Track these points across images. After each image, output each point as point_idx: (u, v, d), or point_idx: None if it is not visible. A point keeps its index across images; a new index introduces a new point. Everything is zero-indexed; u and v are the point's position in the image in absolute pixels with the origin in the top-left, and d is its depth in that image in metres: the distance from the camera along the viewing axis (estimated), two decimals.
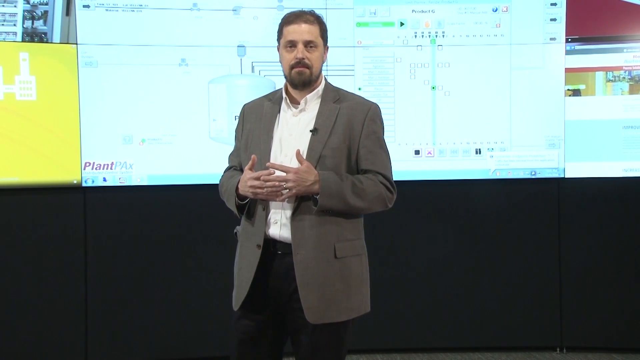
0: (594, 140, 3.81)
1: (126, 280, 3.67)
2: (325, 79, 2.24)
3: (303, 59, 2.13)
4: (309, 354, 2.13)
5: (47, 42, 3.54)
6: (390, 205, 2.19)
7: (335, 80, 2.30)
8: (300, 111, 2.19)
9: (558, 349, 3.92)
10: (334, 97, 2.20)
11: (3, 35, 3.49)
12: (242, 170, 2.17)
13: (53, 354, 3.60)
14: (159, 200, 3.69)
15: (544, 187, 3.87)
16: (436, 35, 3.81)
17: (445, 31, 3.80)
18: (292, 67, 2.14)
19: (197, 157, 3.66)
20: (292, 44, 2.15)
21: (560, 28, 3.79)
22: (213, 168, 3.52)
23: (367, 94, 3.47)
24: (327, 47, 2.23)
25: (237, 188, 2.14)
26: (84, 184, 3.60)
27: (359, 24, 3.78)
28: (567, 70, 3.80)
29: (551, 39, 3.80)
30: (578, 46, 3.79)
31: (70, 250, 3.61)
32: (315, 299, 2.07)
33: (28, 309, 3.57)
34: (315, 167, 2.09)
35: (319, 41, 2.16)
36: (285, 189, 2.05)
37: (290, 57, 2.14)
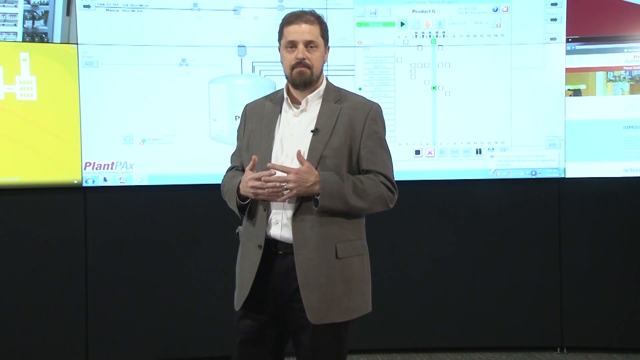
0: (594, 140, 3.81)
1: (127, 280, 3.67)
2: (327, 79, 2.24)
3: (304, 59, 2.13)
4: (310, 354, 2.14)
5: (47, 42, 3.54)
6: (391, 206, 2.18)
7: (336, 80, 2.30)
8: (302, 111, 2.19)
9: (558, 349, 3.92)
10: (335, 97, 2.20)
11: (4, 35, 3.49)
12: (244, 171, 2.17)
13: (54, 354, 3.60)
14: (160, 200, 3.69)
15: (545, 187, 3.87)
16: (436, 35, 3.81)
17: (446, 31, 3.80)
18: (292, 68, 2.14)
19: (197, 157, 3.66)
20: (292, 44, 2.14)
21: (560, 28, 3.79)
22: (213, 168, 3.53)
23: (368, 94, 3.47)
24: (328, 47, 2.23)
25: (238, 188, 2.15)
26: (84, 184, 3.60)
27: (359, 24, 3.78)
28: (568, 70, 3.80)
29: (552, 39, 3.80)
30: (578, 46, 3.79)
31: (70, 250, 3.61)
32: (317, 299, 2.07)
33: (29, 309, 3.57)
34: (316, 168, 2.09)
35: (320, 41, 2.16)
36: (286, 189, 2.06)
37: (291, 57, 2.14)
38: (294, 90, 2.19)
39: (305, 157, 2.09)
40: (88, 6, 3.58)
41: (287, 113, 2.20)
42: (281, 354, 2.24)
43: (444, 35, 3.80)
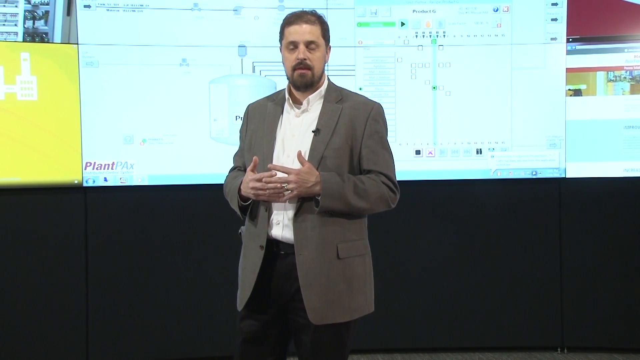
0: (595, 140, 3.81)
1: (127, 280, 3.67)
2: (329, 79, 2.24)
3: (304, 59, 2.13)
4: (311, 354, 2.14)
5: (48, 42, 3.54)
6: (393, 206, 2.18)
7: (336, 80, 2.30)
8: (303, 112, 2.19)
9: (559, 349, 3.92)
10: (337, 97, 2.20)
11: (4, 35, 3.49)
12: (246, 171, 2.17)
13: (54, 354, 3.60)
14: (160, 200, 3.69)
15: (545, 187, 3.87)
16: (437, 35, 3.81)
17: (446, 31, 3.80)
18: (294, 69, 2.14)
19: (197, 157, 3.66)
20: (293, 45, 2.14)
21: (561, 28, 3.79)
22: (214, 168, 3.55)
23: (368, 94, 3.46)
24: (330, 47, 2.23)
25: (239, 189, 2.15)
26: (85, 184, 3.60)
27: (359, 24, 3.78)
28: (568, 70, 3.80)
29: (552, 38, 3.80)
30: (579, 46, 3.79)
31: (71, 250, 3.61)
32: (318, 299, 2.07)
33: (29, 309, 3.57)
34: (317, 168, 2.09)
35: (321, 41, 2.16)
36: (287, 190, 2.05)
37: (292, 57, 2.14)
38: (296, 90, 2.19)
39: (307, 158, 2.09)
40: (88, 6, 3.58)
41: (289, 113, 2.20)
42: (284, 353, 2.24)
43: (444, 35, 3.80)
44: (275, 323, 2.17)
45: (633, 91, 3.78)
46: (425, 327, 3.89)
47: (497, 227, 3.89)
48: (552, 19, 3.79)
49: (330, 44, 2.23)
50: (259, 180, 2.05)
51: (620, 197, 3.85)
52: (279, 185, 2.04)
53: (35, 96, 3.52)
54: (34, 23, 3.52)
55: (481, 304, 3.88)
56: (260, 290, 2.13)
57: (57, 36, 3.55)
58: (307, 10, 2.21)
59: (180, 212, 3.71)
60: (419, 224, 3.86)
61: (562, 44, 3.79)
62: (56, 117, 3.55)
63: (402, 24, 3.81)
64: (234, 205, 2.20)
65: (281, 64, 2.22)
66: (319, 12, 2.23)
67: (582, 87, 3.80)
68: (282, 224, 2.11)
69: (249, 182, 2.08)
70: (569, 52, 3.79)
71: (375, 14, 3.79)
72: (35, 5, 3.52)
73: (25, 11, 3.51)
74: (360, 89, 3.74)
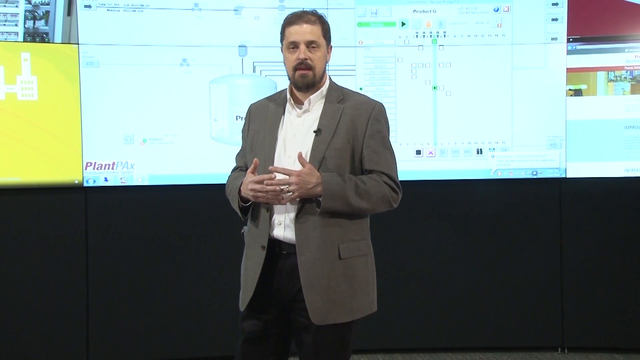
0: (595, 140, 3.81)
1: (127, 280, 3.67)
2: (330, 79, 2.24)
3: (305, 59, 2.13)
4: (313, 354, 2.14)
5: (48, 42, 3.54)
6: (395, 205, 2.18)
7: (337, 80, 2.29)
8: (304, 112, 2.19)
9: (559, 349, 3.92)
10: (338, 97, 2.20)
11: (5, 36, 3.49)
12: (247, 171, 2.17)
13: (54, 354, 3.60)
14: (161, 200, 3.69)
15: (546, 187, 3.87)
16: (437, 35, 3.81)
17: (447, 31, 3.80)
18: (295, 69, 2.14)
19: (198, 157, 3.66)
20: (294, 45, 2.14)
21: (561, 28, 3.79)
22: (214, 168, 3.56)
23: (368, 94, 3.44)
24: (331, 47, 2.23)
25: (240, 190, 2.15)
26: (85, 184, 3.60)
27: (360, 24, 3.78)
28: (569, 70, 3.80)
29: (552, 38, 3.80)
30: (579, 46, 3.79)
31: (71, 250, 3.61)
32: (319, 300, 2.07)
33: (29, 308, 3.57)
34: (319, 168, 2.09)
35: (322, 41, 2.16)
36: (288, 192, 2.05)
37: (293, 58, 2.14)
38: (297, 91, 2.19)
39: (308, 158, 2.09)
40: (89, 6, 3.58)
41: (290, 114, 2.20)
42: (286, 353, 2.24)
43: (444, 35, 3.80)
44: (277, 323, 2.18)
45: (633, 91, 3.78)
46: (425, 327, 3.89)
47: (498, 227, 3.89)
48: (553, 19, 3.79)
49: (331, 43, 2.23)
50: (259, 182, 2.05)
51: (621, 197, 3.85)
52: (278, 188, 2.04)
53: (35, 96, 3.52)
54: (34, 23, 3.52)
55: (481, 304, 3.88)
56: (263, 290, 2.13)
57: (58, 36, 3.55)
58: (307, 10, 2.21)
59: (180, 212, 3.71)
60: (419, 224, 3.85)
61: (562, 44, 3.79)
62: (57, 117, 3.55)
63: (403, 24, 3.81)
64: (235, 205, 2.20)
65: (282, 64, 2.22)
66: (320, 12, 2.23)
67: (583, 87, 3.80)
68: (283, 225, 2.12)
69: (249, 184, 2.08)
70: (569, 52, 3.79)
71: (376, 14, 3.79)
72: (35, 6, 3.52)
73: (25, 11, 3.51)
74: (361, 89, 3.74)
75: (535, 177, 3.84)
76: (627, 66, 3.78)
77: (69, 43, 3.56)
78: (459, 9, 3.79)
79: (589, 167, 3.82)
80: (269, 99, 2.30)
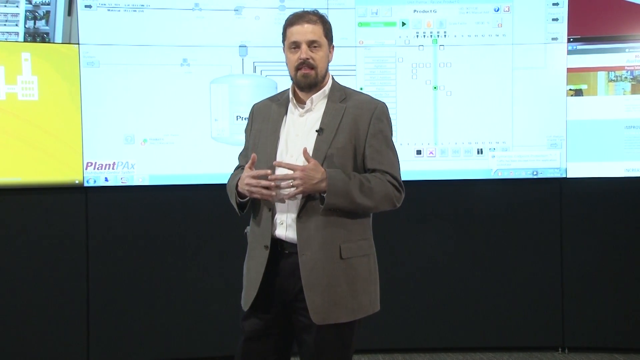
0: (596, 140, 3.80)
1: (128, 280, 3.67)
2: (333, 78, 2.24)
3: (307, 59, 2.13)
4: (314, 354, 2.13)
5: (49, 42, 3.54)
6: (398, 205, 2.18)
7: (337, 80, 2.30)
8: (307, 111, 2.19)
9: (560, 349, 3.92)
10: (340, 96, 2.20)
11: (5, 36, 3.49)
12: None
13: (55, 354, 3.60)
14: (161, 200, 3.69)
15: (546, 187, 3.87)
16: (438, 35, 3.80)
17: (447, 31, 3.80)
18: (297, 69, 2.14)
19: (198, 157, 3.66)
20: (295, 45, 2.15)
21: (562, 28, 3.79)
22: (215, 168, 3.55)
23: (369, 94, 3.47)
24: (333, 47, 2.23)
25: (237, 185, 2.15)
26: (85, 184, 3.60)
27: (360, 24, 3.78)
28: (569, 70, 3.80)
29: (553, 38, 3.80)
30: (580, 46, 3.79)
31: (72, 250, 3.61)
32: (320, 300, 2.07)
33: (30, 308, 3.57)
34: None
35: (323, 41, 2.16)
36: (293, 187, 2.05)
37: (295, 58, 2.14)
38: (299, 90, 2.19)
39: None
40: (89, 6, 3.58)
41: (293, 113, 2.20)
42: (287, 353, 2.24)
43: (445, 35, 3.80)
44: (278, 322, 2.17)
45: (634, 91, 3.78)
46: (425, 327, 3.89)
47: (498, 227, 3.89)
48: (553, 19, 3.79)
49: (333, 43, 2.23)
50: (255, 177, 2.05)
51: (621, 197, 3.85)
52: (272, 184, 2.04)
53: (36, 96, 3.52)
54: (35, 23, 3.52)
55: (482, 304, 3.88)
56: (265, 290, 2.13)
57: (58, 36, 3.55)
58: (308, 10, 2.21)
59: (181, 212, 3.71)
60: (419, 224, 3.85)
61: (563, 44, 3.79)
62: (57, 117, 3.55)
63: (403, 23, 3.81)
64: (233, 201, 2.21)
65: (283, 64, 2.23)
66: (320, 12, 2.23)
67: (583, 87, 3.80)
68: (285, 224, 2.12)
69: (245, 179, 2.08)
70: (569, 52, 3.79)
71: (376, 14, 3.79)
72: (36, 6, 3.52)
73: (26, 11, 3.51)
74: (361, 88, 3.74)
75: (535, 177, 3.84)
76: (627, 66, 3.78)
77: (70, 43, 3.56)
78: (459, 9, 3.79)
79: (590, 167, 3.82)
80: (272, 99, 2.30)
